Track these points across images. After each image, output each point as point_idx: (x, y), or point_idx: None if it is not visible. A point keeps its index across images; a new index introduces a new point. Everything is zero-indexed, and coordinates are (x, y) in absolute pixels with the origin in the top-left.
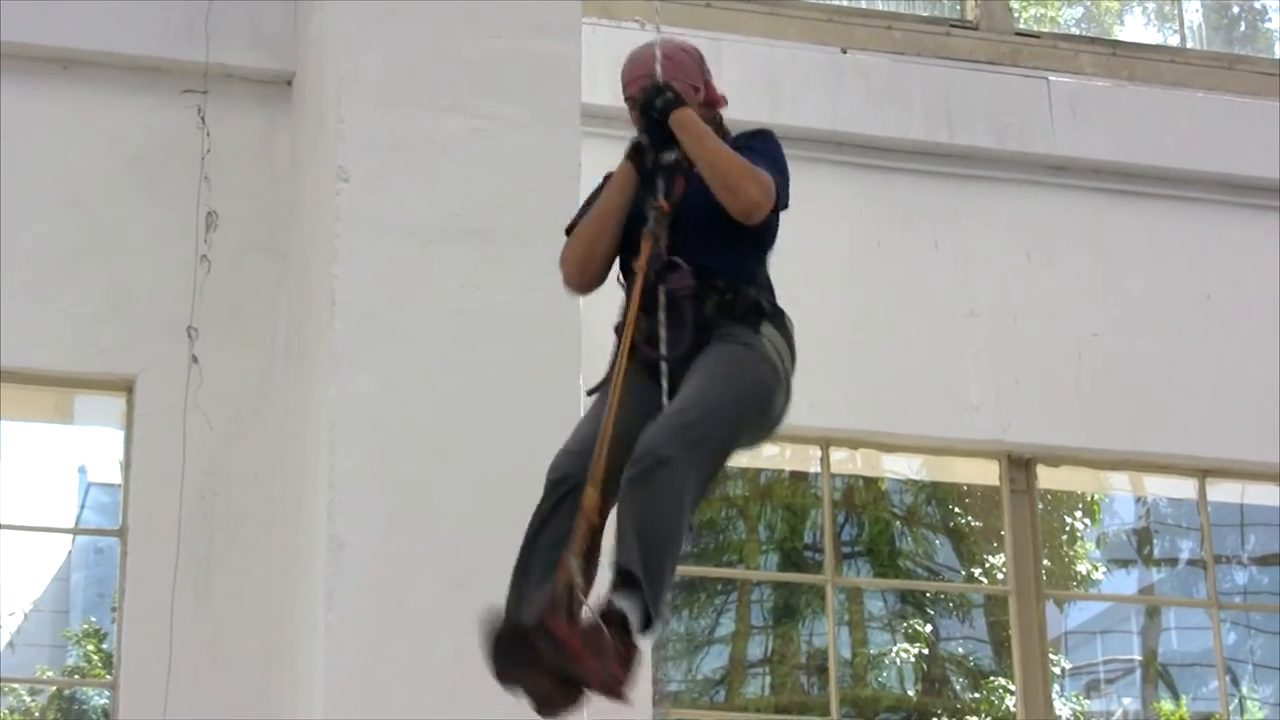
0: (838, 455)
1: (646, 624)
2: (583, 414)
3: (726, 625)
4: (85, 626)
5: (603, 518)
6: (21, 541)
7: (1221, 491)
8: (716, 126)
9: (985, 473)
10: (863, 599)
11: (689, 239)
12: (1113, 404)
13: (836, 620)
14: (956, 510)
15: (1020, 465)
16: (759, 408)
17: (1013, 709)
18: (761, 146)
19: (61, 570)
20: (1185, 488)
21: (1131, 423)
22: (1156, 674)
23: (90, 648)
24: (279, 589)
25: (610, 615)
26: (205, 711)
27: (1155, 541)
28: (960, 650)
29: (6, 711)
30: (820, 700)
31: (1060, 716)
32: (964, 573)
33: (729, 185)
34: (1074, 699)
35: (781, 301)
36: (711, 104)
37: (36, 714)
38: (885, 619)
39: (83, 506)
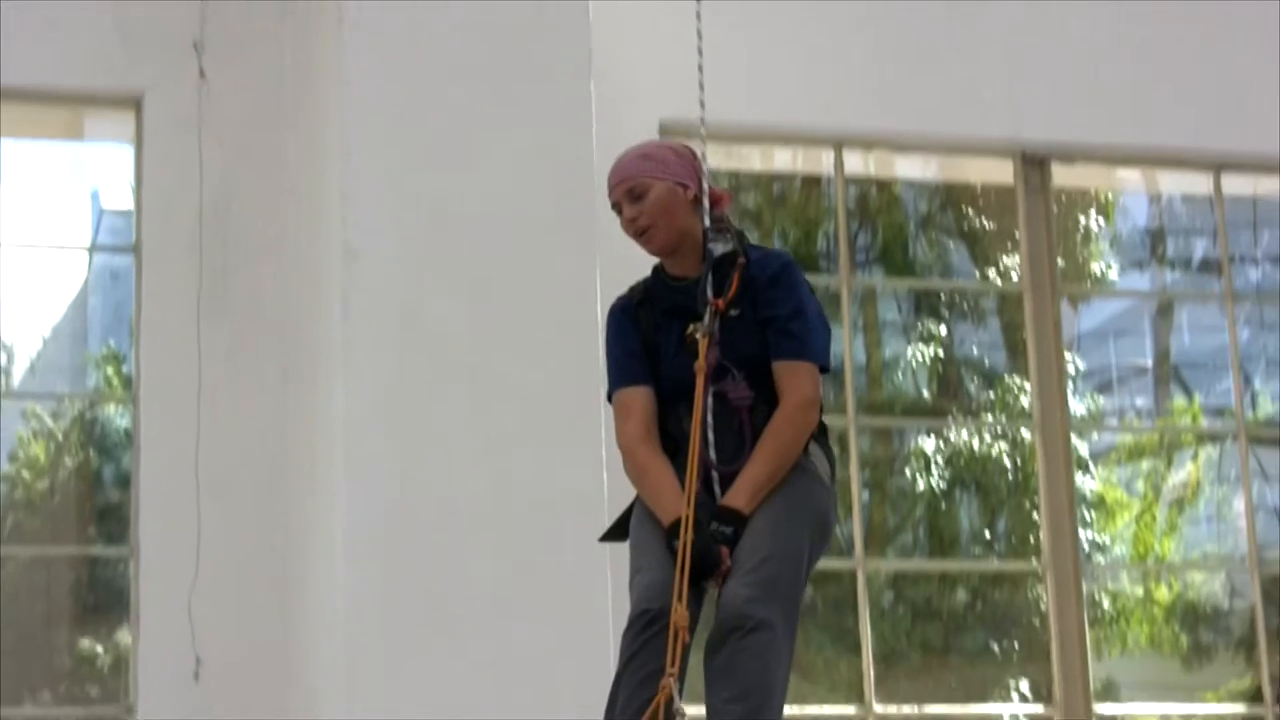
0: (851, 158)
1: None
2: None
3: None
4: (104, 350)
5: (690, 633)
6: (36, 263)
7: (1235, 185)
8: (721, 224)
9: (1000, 171)
10: (876, 303)
11: (741, 367)
12: (1126, 99)
13: (851, 326)
14: (970, 212)
15: (1034, 164)
16: (821, 532)
17: (1028, 408)
18: (788, 299)
19: (79, 296)
20: (1200, 183)
21: (1145, 117)
22: (1169, 373)
23: (110, 370)
24: (295, 300)
25: None
26: (226, 423)
27: (1169, 241)
28: (975, 352)
29: (30, 435)
30: (836, 404)
31: (1075, 415)
32: (979, 274)
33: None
34: (1088, 398)
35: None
36: (714, 202)
37: (60, 437)
38: (900, 323)
39: (96, 231)
